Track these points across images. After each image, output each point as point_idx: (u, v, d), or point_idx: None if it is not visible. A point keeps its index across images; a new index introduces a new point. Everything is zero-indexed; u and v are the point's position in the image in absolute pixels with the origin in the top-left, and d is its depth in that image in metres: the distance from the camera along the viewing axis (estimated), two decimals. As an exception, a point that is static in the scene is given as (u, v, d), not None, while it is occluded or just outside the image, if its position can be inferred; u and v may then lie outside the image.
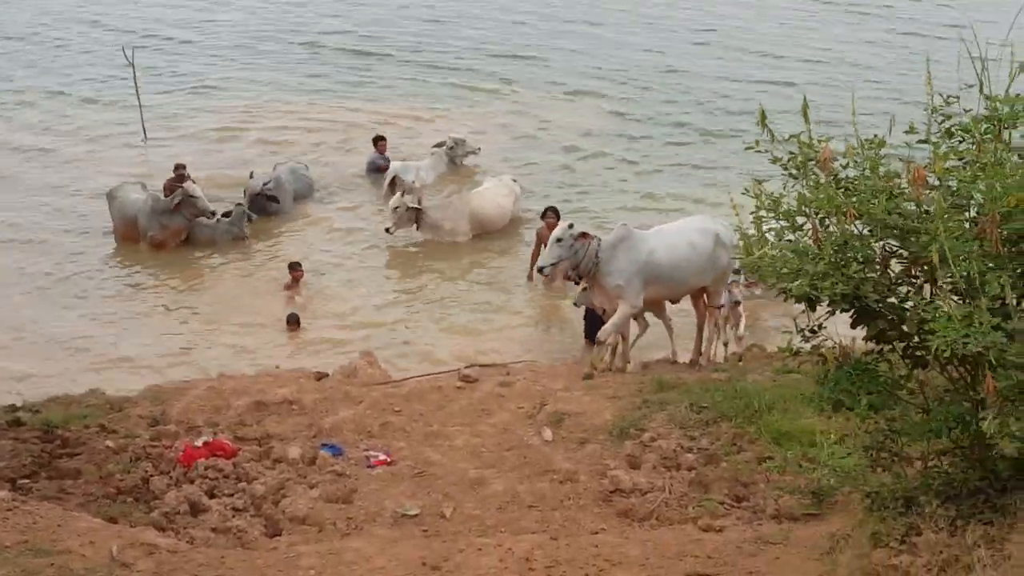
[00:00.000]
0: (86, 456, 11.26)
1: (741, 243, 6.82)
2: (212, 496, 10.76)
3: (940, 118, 6.45)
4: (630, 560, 9.11)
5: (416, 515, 10.54)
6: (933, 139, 6.45)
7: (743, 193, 6.88)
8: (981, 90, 6.34)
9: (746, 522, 10.14)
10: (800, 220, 6.49)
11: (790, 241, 6.48)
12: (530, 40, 33.41)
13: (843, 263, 6.11)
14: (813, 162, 6.47)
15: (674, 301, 15.30)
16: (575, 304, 15.50)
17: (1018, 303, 5.71)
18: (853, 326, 6.70)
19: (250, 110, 27.45)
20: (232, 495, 10.78)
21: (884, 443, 6.96)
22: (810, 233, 6.41)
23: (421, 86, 29.44)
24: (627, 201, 22.28)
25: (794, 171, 6.53)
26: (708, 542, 9.47)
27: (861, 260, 6.13)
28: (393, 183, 21.05)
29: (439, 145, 23.18)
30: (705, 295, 15.15)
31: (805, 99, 6.51)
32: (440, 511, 10.55)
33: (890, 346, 6.65)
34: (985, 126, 6.26)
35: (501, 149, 25.23)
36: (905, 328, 6.34)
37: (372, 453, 11.60)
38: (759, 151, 6.69)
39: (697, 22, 36.03)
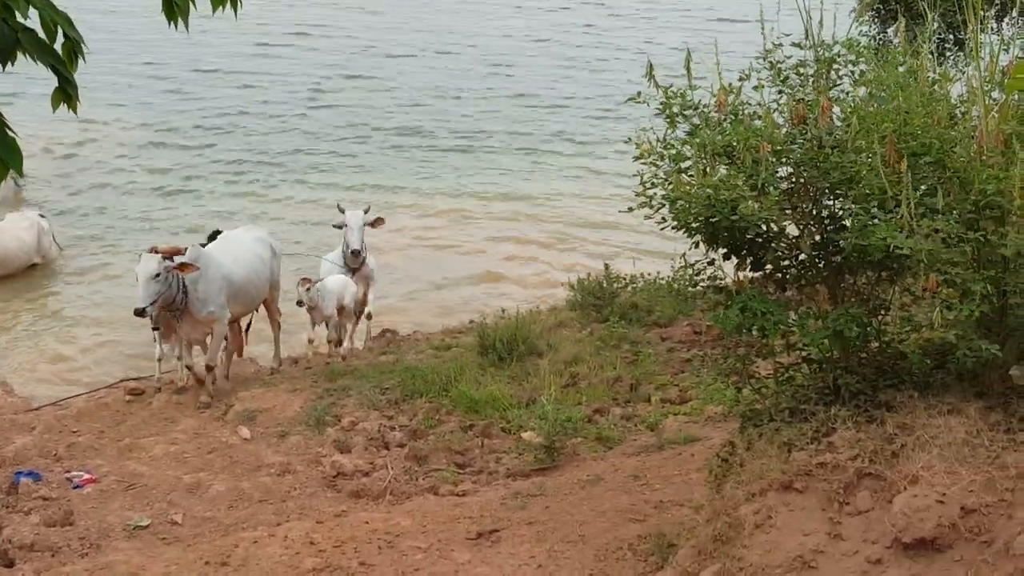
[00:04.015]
0: None
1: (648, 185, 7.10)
2: (-82, 539, 9.90)
3: (768, 64, 7.23)
4: (408, 531, 9.33)
5: (147, 526, 10.21)
6: (763, 83, 7.22)
7: (625, 142, 7.37)
8: (807, 36, 7.20)
9: (484, 484, 10.62)
10: (685, 164, 7.02)
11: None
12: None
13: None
14: (692, 111, 7.08)
15: (241, 316, 14.47)
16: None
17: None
18: (727, 257, 7.26)
19: None
20: (-58, 534, 9.97)
21: (735, 365, 7.60)
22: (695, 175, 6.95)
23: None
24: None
25: (678, 119, 7.10)
26: (470, 504, 9.88)
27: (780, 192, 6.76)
28: None
29: None
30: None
31: (688, 52, 7.09)
32: (170, 518, 10.27)
33: (763, 273, 7.28)
34: (816, 68, 7.14)
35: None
36: (799, 252, 7.05)
37: (75, 474, 11.04)
38: (640, 102, 7.21)
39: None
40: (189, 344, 13.38)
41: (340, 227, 15.45)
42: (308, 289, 13.99)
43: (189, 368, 13.25)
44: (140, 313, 12.50)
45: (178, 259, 12.65)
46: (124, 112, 28.88)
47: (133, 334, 16.24)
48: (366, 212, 15.49)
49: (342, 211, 15.48)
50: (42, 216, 19.87)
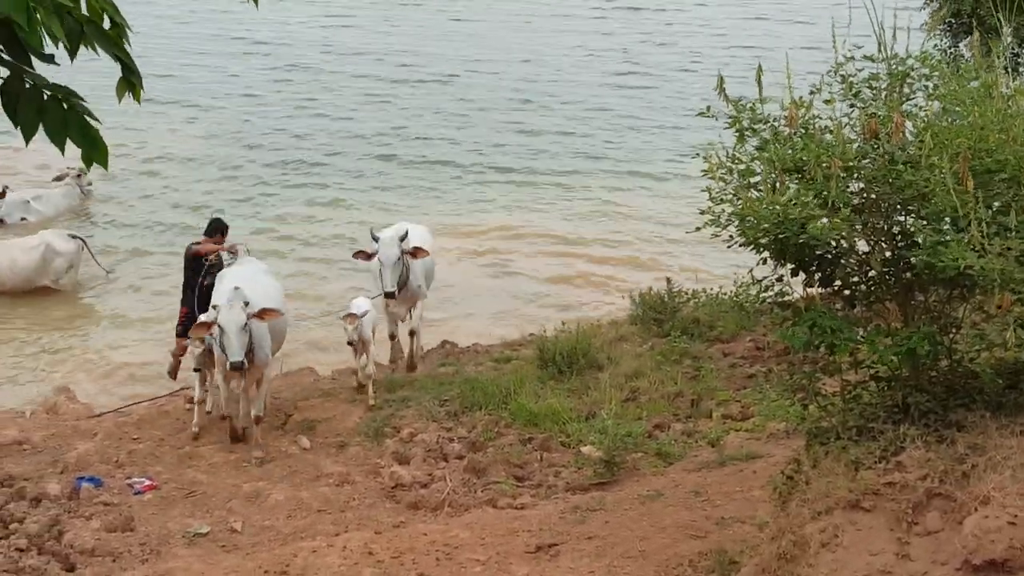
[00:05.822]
0: None
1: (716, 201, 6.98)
2: (-19, 541, 10.01)
3: (839, 78, 7.12)
4: (467, 543, 9.30)
5: (207, 533, 10.27)
6: (835, 98, 7.10)
7: (694, 157, 7.30)
8: (879, 49, 7.08)
9: (543, 497, 10.57)
10: (754, 179, 6.92)
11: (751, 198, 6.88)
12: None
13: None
14: (762, 124, 6.99)
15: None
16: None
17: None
18: (795, 273, 7.16)
19: None
20: (6, 537, 10.05)
21: (801, 382, 7.48)
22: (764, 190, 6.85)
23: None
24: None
25: (747, 132, 7.00)
26: (529, 517, 9.83)
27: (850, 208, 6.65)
28: None
29: (59, 177, 21.58)
30: None
31: (760, 66, 7.01)
32: (230, 526, 10.34)
33: (831, 289, 7.17)
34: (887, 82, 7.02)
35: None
36: (869, 268, 6.95)
37: (136, 480, 11.14)
38: (709, 116, 7.13)
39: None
40: (246, 391, 12.32)
41: (372, 255, 13.58)
42: (356, 327, 13.06)
43: (234, 418, 12.34)
44: (239, 366, 11.72)
45: (257, 307, 11.90)
46: (180, 124, 29.13)
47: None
48: (403, 239, 13.55)
49: (375, 239, 13.54)
50: (73, 236, 18.97)
